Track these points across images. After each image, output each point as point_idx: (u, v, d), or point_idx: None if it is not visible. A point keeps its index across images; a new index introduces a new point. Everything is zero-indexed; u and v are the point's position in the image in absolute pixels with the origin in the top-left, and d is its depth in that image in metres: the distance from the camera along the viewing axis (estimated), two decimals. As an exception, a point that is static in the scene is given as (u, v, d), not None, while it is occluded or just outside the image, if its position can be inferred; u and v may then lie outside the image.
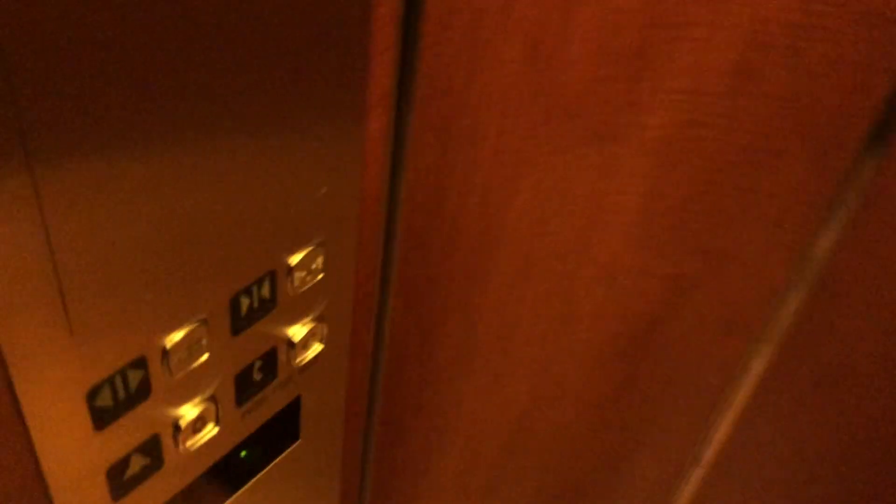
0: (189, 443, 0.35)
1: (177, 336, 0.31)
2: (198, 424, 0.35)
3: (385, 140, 0.36)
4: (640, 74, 0.42)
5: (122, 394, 0.30)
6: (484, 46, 0.38)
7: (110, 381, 0.29)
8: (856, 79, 0.42)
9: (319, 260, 0.36)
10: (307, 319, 0.38)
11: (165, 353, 0.31)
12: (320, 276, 0.37)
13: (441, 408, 0.55)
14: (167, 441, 0.34)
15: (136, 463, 0.33)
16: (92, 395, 0.29)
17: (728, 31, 0.41)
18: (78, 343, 0.27)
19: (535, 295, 0.52)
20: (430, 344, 0.50)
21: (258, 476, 0.42)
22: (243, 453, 0.41)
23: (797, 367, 0.52)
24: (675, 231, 0.49)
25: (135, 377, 0.30)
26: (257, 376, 0.37)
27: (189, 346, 0.32)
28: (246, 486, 0.42)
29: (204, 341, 0.32)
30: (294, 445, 0.44)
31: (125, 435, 0.31)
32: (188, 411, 0.34)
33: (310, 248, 0.35)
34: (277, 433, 0.42)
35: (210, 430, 0.36)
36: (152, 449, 0.33)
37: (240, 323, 0.34)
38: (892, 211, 0.47)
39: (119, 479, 0.33)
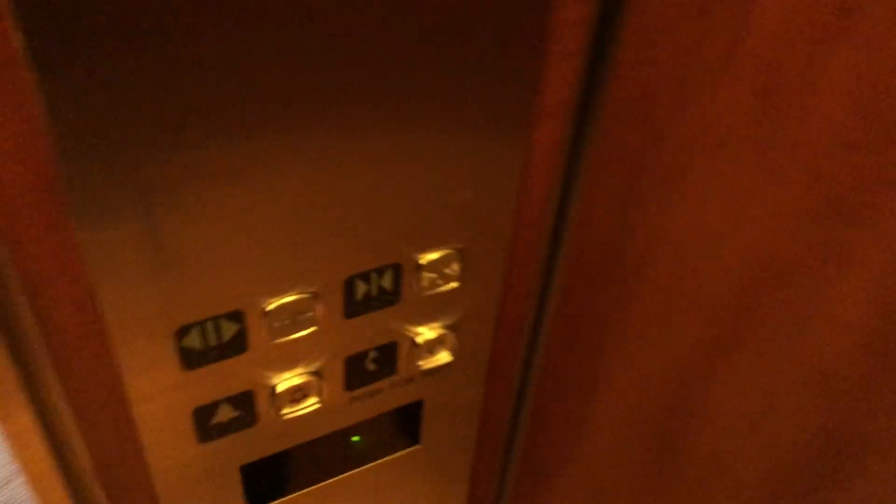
0: (286, 410, 0.35)
1: (280, 301, 0.31)
2: (297, 395, 0.35)
3: (555, 156, 0.33)
4: (901, 144, 0.34)
5: (213, 340, 0.31)
6: (702, 78, 0.33)
7: (201, 324, 0.30)
8: None
9: (455, 266, 0.34)
10: (436, 325, 0.36)
11: (266, 314, 0.31)
12: (454, 284, 0.35)
13: (598, 471, 0.51)
14: (262, 402, 0.34)
15: (225, 413, 0.34)
16: (181, 333, 0.30)
17: None
18: (169, 276, 0.28)
19: (730, 380, 0.45)
20: (590, 397, 0.45)
21: (369, 466, 0.42)
22: (355, 438, 0.41)
23: None
24: (915, 349, 0.39)
25: (229, 329, 0.31)
26: (372, 366, 0.36)
27: (293, 315, 0.32)
28: (355, 472, 0.41)
29: (310, 314, 0.32)
30: (412, 448, 0.42)
31: (216, 382, 0.32)
32: (287, 379, 0.34)
33: (445, 252, 0.33)
34: (394, 431, 0.41)
35: (311, 404, 0.35)
36: (244, 405, 0.34)
37: (354, 307, 0.33)
38: None
39: (205, 422, 0.33)
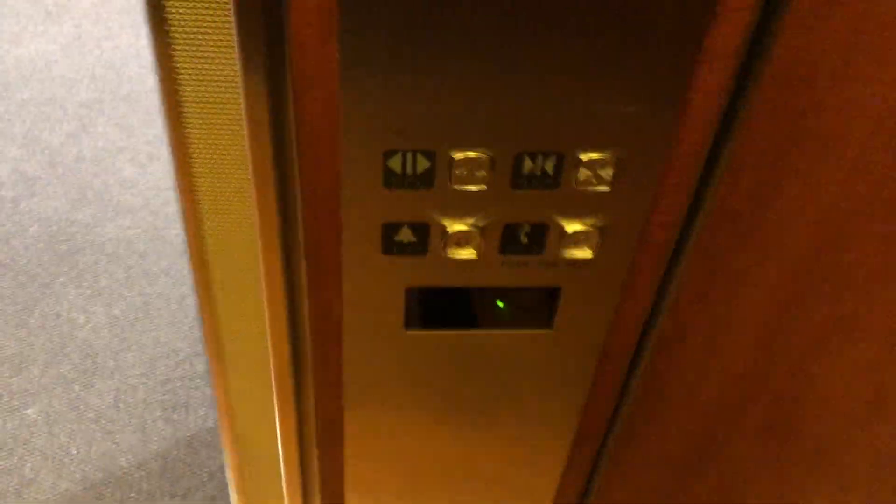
0: (450, 250, 0.45)
1: (464, 154, 0.40)
2: (461, 241, 0.44)
3: (716, 100, 0.39)
4: None
5: (409, 169, 0.41)
6: (864, 60, 0.37)
7: (403, 153, 0.40)
8: None
9: (608, 171, 0.42)
10: (583, 221, 0.44)
11: (452, 161, 0.40)
12: (606, 188, 0.42)
13: (705, 424, 0.55)
14: (435, 235, 0.44)
15: (405, 234, 0.44)
16: (387, 155, 0.40)
17: None
18: (389, 103, 0.38)
19: (850, 361, 0.48)
20: (712, 347, 0.50)
21: (505, 332, 0.50)
22: (500, 303, 0.50)
23: None
24: None
25: (422, 163, 0.41)
26: (524, 239, 0.45)
27: (471, 169, 0.41)
28: (493, 332, 0.50)
29: (484, 174, 0.41)
30: (545, 331, 0.50)
31: (404, 206, 0.42)
32: (456, 224, 0.43)
33: (602, 155, 0.41)
34: (532, 307, 0.49)
35: (469, 252, 0.45)
36: (421, 233, 0.44)
37: (519, 180, 0.42)
38: None
39: (390, 237, 0.44)
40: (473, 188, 0.42)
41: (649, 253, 0.46)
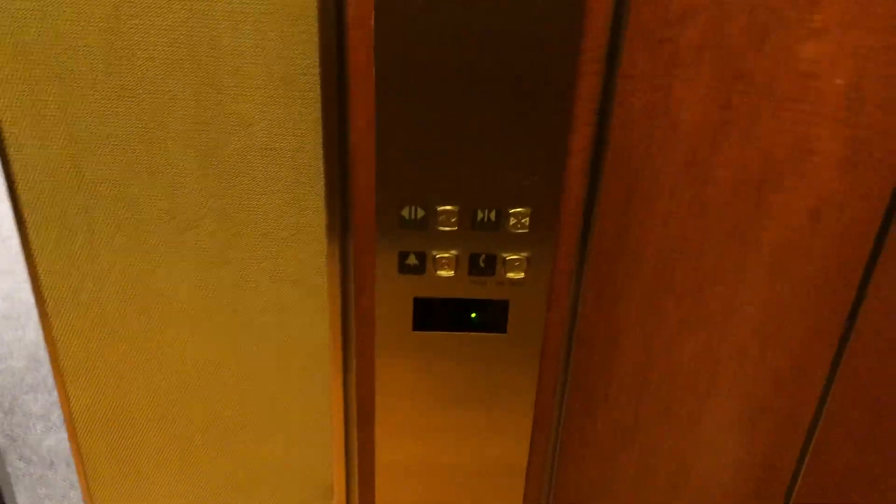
0: (438, 271, 0.75)
1: (442, 207, 0.72)
2: (444, 265, 0.75)
3: (580, 179, 0.71)
4: (763, 198, 0.67)
5: (413, 217, 0.72)
6: (655, 149, 0.69)
7: (409, 206, 0.72)
8: None
9: (526, 220, 0.73)
10: (516, 252, 0.74)
11: (436, 211, 0.72)
12: (526, 231, 0.73)
13: (620, 401, 0.82)
14: (430, 260, 0.75)
15: (412, 259, 0.75)
16: (398, 208, 0.72)
17: (806, 190, 0.63)
18: (401, 174, 0.70)
19: (694, 346, 0.75)
20: (614, 344, 0.78)
21: (476, 334, 0.79)
22: (473, 315, 0.79)
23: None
24: (786, 328, 0.68)
25: (420, 213, 0.72)
26: (483, 264, 0.75)
27: (447, 218, 0.72)
28: (469, 334, 0.79)
29: (455, 219, 0.73)
30: (502, 334, 0.79)
31: (411, 240, 0.73)
32: (441, 252, 0.74)
33: (521, 209, 0.72)
34: (491, 315, 0.79)
35: (449, 273, 0.75)
36: (421, 258, 0.75)
37: (477, 224, 0.73)
38: None
39: (403, 261, 0.75)
40: (450, 229, 0.73)
41: (561, 277, 0.76)
